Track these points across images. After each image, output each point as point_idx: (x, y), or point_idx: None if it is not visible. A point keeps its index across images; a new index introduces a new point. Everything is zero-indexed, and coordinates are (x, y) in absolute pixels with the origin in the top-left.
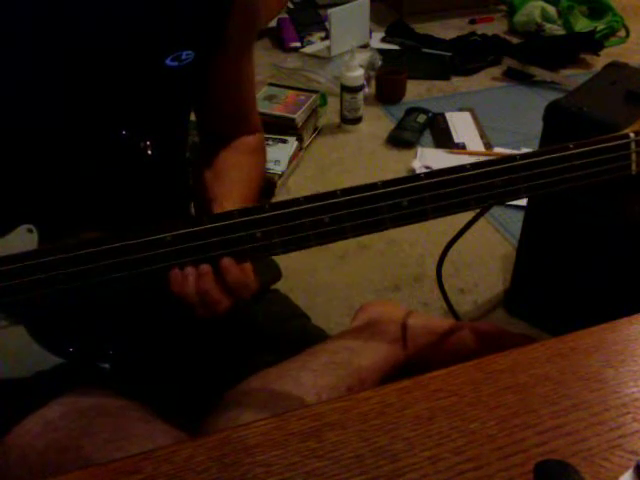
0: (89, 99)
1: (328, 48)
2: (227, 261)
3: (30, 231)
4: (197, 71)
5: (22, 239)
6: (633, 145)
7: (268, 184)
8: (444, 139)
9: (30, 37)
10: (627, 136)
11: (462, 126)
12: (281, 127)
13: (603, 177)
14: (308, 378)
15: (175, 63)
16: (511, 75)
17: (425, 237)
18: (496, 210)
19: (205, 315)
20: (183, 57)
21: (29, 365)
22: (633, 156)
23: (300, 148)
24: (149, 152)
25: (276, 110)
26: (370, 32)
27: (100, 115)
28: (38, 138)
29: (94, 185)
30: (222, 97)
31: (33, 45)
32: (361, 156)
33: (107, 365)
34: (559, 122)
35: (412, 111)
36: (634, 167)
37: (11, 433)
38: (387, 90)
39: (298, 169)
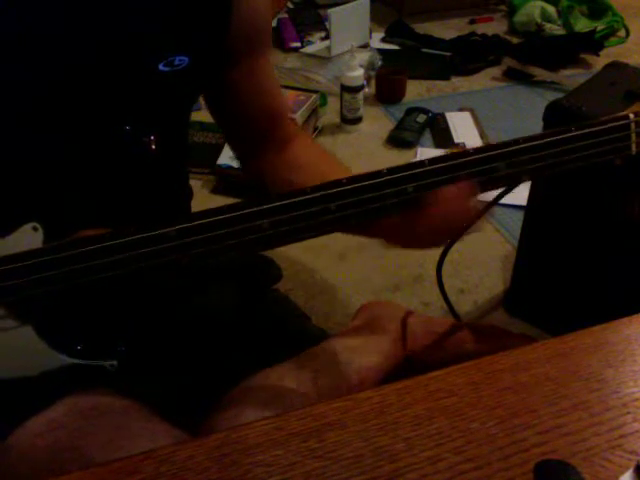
0: (90, 97)
1: (328, 48)
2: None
3: (35, 229)
4: (193, 76)
5: (27, 237)
6: (633, 126)
7: None
8: (444, 139)
9: (33, 40)
10: (627, 117)
11: (462, 126)
12: None
13: (604, 158)
14: (308, 378)
15: (168, 68)
16: (511, 75)
17: None
18: (496, 210)
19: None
20: (176, 62)
21: (36, 364)
22: (633, 137)
23: None
24: (153, 147)
25: None
26: (370, 32)
27: (103, 112)
28: (41, 135)
29: (98, 181)
30: (248, 103)
31: (35, 48)
32: (361, 156)
33: (114, 362)
34: (559, 122)
35: (412, 111)
36: (634, 148)
37: (14, 433)
38: (387, 90)
39: None
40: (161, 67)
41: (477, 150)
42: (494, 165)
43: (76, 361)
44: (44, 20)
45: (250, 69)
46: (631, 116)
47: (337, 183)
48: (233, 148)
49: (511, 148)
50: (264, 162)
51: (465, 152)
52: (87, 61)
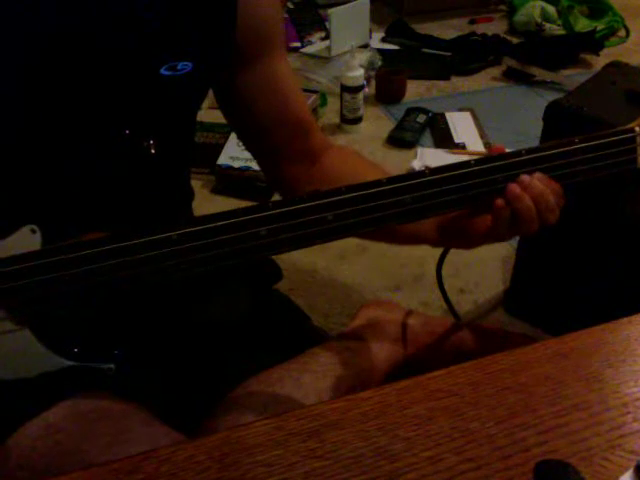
0: (90, 99)
1: (328, 48)
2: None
3: (33, 232)
4: (196, 81)
5: (25, 240)
6: (638, 139)
7: (268, 184)
8: (444, 139)
9: (31, 39)
10: (632, 130)
11: (462, 126)
12: None
13: (608, 172)
14: (309, 380)
15: (170, 73)
16: (511, 75)
17: None
18: None
19: (535, 229)
20: (179, 67)
21: (34, 366)
22: (639, 150)
23: None
24: (152, 151)
25: None
26: (370, 32)
27: (103, 115)
28: (40, 137)
29: (97, 184)
30: (262, 108)
31: (33, 47)
32: None
33: (112, 366)
34: (559, 122)
35: (412, 111)
36: None
37: (13, 436)
38: (387, 90)
39: None
40: (163, 71)
41: (478, 161)
42: (494, 177)
43: (72, 363)
44: (42, 18)
45: (260, 71)
46: (637, 129)
47: (336, 191)
48: (255, 157)
49: (513, 160)
50: (289, 175)
51: (466, 163)
52: (85, 61)
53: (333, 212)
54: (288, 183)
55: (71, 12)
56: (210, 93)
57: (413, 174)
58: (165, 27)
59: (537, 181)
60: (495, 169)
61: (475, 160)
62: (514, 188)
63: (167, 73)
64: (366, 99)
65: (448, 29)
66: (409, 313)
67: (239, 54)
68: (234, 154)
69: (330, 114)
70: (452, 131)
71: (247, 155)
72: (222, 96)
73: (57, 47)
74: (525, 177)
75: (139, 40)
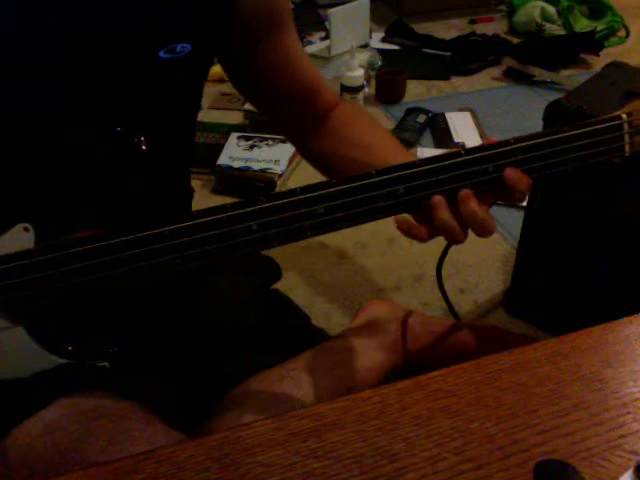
0: (85, 93)
1: (328, 48)
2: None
3: (26, 230)
4: (195, 64)
5: (18, 238)
6: (626, 126)
7: (268, 184)
8: (444, 139)
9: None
10: (619, 117)
11: (462, 126)
12: None
13: (598, 159)
14: (309, 379)
15: (169, 55)
16: (511, 75)
17: None
18: (496, 210)
19: (460, 241)
20: (178, 50)
21: (29, 365)
22: (626, 137)
23: None
24: (143, 147)
25: None
26: (370, 32)
27: (95, 111)
28: (33, 134)
29: (90, 182)
30: (279, 82)
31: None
32: None
33: (106, 364)
34: (559, 122)
35: (412, 111)
36: (627, 148)
37: (11, 434)
38: (387, 90)
39: (298, 169)
40: (162, 54)
41: (468, 151)
42: (484, 167)
43: (66, 361)
44: (35, 13)
45: (269, 50)
46: (624, 116)
47: (328, 184)
48: (267, 119)
49: (502, 149)
50: (300, 133)
51: (456, 153)
52: (81, 55)
53: (324, 205)
54: (299, 139)
55: (66, 8)
56: (211, 92)
57: (404, 165)
58: (161, 10)
59: (472, 201)
60: (485, 158)
61: (465, 150)
62: (434, 199)
63: (166, 56)
64: (366, 99)
65: (448, 29)
66: (409, 313)
67: (246, 34)
68: (234, 154)
69: None
70: (452, 131)
71: (247, 155)
72: (231, 72)
73: (52, 42)
74: (463, 192)
75: (135, 27)
